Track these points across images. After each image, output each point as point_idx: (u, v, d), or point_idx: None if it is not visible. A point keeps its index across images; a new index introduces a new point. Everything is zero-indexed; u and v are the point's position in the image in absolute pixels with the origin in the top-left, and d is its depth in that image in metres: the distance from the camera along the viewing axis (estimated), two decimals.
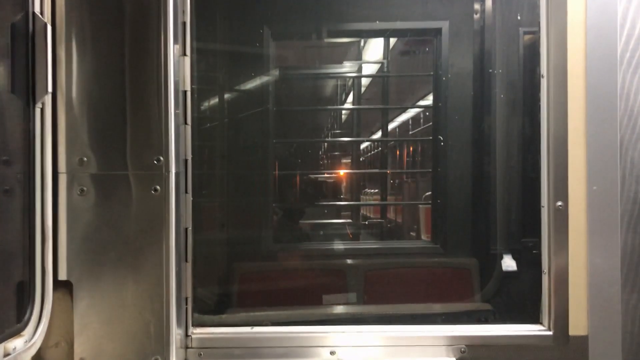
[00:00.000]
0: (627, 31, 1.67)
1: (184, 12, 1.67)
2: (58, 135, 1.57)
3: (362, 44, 3.93)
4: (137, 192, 1.58)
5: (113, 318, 1.58)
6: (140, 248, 1.58)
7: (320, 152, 4.35)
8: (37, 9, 1.47)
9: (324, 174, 3.98)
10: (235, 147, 3.10)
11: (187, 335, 1.71)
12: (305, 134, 3.72)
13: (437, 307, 2.67)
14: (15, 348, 1.37)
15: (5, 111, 1.45)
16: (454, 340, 1.70)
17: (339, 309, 2.77)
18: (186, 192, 1.71)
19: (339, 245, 3.48)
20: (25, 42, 1.44)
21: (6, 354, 1.33)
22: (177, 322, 1.61)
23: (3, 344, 1.34)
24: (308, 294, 2.92)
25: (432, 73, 3.30)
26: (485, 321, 2.35)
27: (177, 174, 1.63)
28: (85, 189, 1.58)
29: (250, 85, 3.19)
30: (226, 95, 3.11)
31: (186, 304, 1.70)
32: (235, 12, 3.06)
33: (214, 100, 3.01)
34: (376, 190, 4.60)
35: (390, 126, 5.21)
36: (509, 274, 2.63)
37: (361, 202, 4.41)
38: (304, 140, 3.68)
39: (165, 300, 1.58)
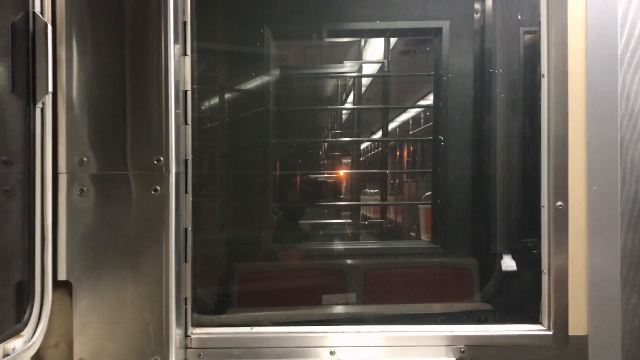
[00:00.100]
0: (628, 31, 1.67)
1: (184, 12, 1.67)
2: (58, 135, 1.57)
3: (362, 43, 3.93)
4: (137, 192, 1.58)
5: (113, 318, 1.58)
6: (140, 248, 1.58)
7: (320, 152, 4.35)
8: (37, 9, 1.47)
9: (324, 174, 3.98)
10: (236, 147, 3.10)
11: (186, 336, 1.71)
12: (306, 134, 3.72)
13: (437, 307, 2.67)
14: (14, 348, 1.37)
15: (5, 111, 1.45)
16: (454, 340, 1.70)
17: (339, 309, 2.77)
18: (186, 192, 1.71)
19: (339, 246, 3.48)
20: (25, 42, 1.44)
21: (5, 354, 1.33)
22: (176, 322, 1.61)
23: (2, 344, 1.34)
24: (308, 294, 2.92)
25: (432, 73, 3.30)
26: (485, 321, 2.35)
27: (177, 174, 1.62)
28: (85, 189, 1.58)
29: (251, 85, 3.19)
30: (226, 95, 3.11)
31: (186, 304, 1.70)
32: (236, 11, 3.06)
33: (215, 100, 3.01)
34: (376, 191, 4.60)
35: (391, 126, 5.21)
36: (509, 274, 2.63)
37: (361, 202, 4.41)
38: (304, 140, 3.67)
39: (165, 300, 1.58)
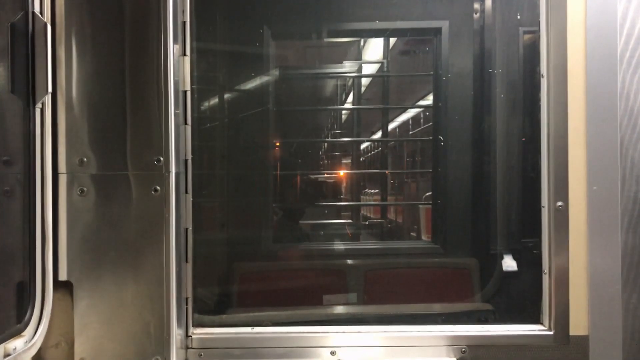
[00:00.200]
0: (627, 31, 1.67)
1: (183, 12, 1.67)
2: (58, 135, 1.57)
3: (362, 43, 3.93)
4: (137, 193, 1.58)
5: (113, 318, 1.58)
6: (140, 248, 1.58)
7: (320, 152, 4.35)
8: (37, 9, 1.47)
9: (324, 174, 3.98)
10: (235, 147, 3.10)
11: (187, 336, 1.71)
12: (305, 134, 3.72)
13: (437, 308, 2.67)
14: (15, 348, 1.37)
15: (5, 111, 1.45)
16: (454, 340, 1.70)
17: (340, 309, 2.77)
18: (186, 192, 1.71)
19: (339, 246, 3.48)
20: (25, 42, 1.44)
21: (6, 354, 1.33)
22: (177, 322, 1.61)
23: (3, 344, 1.34)
24: (308, 294, 2.92)
25: (432, 73, 3.30)
26: (486, 321, 2.35)
27: (177, 174, 1.62)
28: (85, 189, 1.58)
29: (250, 85, 3.19)
30: (226, 95, 3.11)
31: (186, 304, 1.70)
32: (235, 11, 3.06)
33: (214, 100, 3.01)
34: (376, 191, 4.60)
35: (391, 126, 5.21)
36: (510, 274, 2.63)
37: (361, 203, 4.41)
38: (304, 140, 3.67)
39: (166, 300, 1.58)
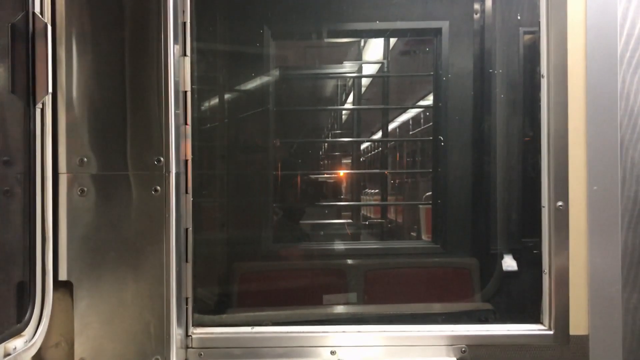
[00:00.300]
0: (627, 31, 1.67)
1: (184, 12, 1.68)
2: (58, 135, 1.58)
3: (362, 44, 3.92)
4: (137, 193, 1.58)
5: (113, 318, 1.58)
6: (140, 248, 1.58)
7: (320, 153, 4.35)
8: (37, 9, 1.47)
9: (324, 174, 3.98)
10: (236, 147, 3.10)
11: (187, 335, 1.71)
12: (306, 134, 3.72)
13: (437, 307, 2.67)
14: (15, 348, 1.37)
15: (5, 111, 1.45)
16: (454, 340, 1.70)
17: (340, 309, 2.77)
18: (186, 192, 1.71)
19: (339, 246, 3.48)
20: (25, 42, 1.44)
21: (6, 354, 1.33)
22: (177, 322, 1.61)
23: (3, 344, 1.34)
24: (308, 294, 2.92)
25: (432, 73, 3.30)
26: (486, 321, 2.35)
27: (177, 174, 1.63)
28: (85, 189, 1.58)
29: (251, 85, 3.19)
30: (226, 96, 3.11)
31: (186, 304, 1.70)
32: (236, 12, 3.06)
33: (214, 101, 3.01)
34: (376, 191, 4.60)
35: (391, 126, 5.20)
36: (510, 273, 2.63)
37: (361, 203, 4.41)
38: (304, 140, 3.67)
39: (166, 300, 1.58)
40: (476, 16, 2.97)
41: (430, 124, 3.53)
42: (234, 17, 3.05)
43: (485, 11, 2.91)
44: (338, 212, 4.22)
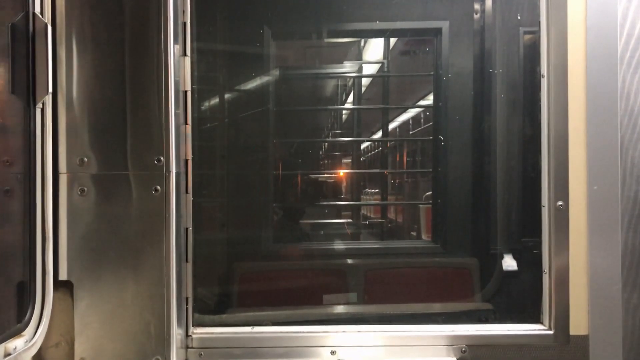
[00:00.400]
0: (627, 31, 1.67)
1: (184, 12, 1.68)
2: (58, 135, 1.58)
3: (362, 44, 3.92)
4: (137, 192, 1.58)
5: (113, 318, 1.58)
6: (140, 248, 1.58)
7: (320, 152, 4.35)
8: (37, 9, 1.47)
9: (324, 174, 3.98)
10: (236, 147, 3.10)
11: (187, 335, 1.71)
12: (306, 134, 3.72)
13: (437, 307, 2.67)
14: (15, 348, 1.37)
15: (5, 111, 1.45)
16: (454, 340, 1.70)
17: (340, 309, 2.77)
18: (186, 192, 1.71)
19: (339, 245, 3.48)
20: (25, 42, 1.44)
21: (7, 354, 1.33)
22: (177, 322, 1.61)
23: (4, 344, 1.34)
24: (308, 293, 2.92)
25: (432, 73, 3.30)
26: (486, 321, 2.35)
27: (177, 174, 1.63)
28: (85, 189, 1.58)
29: (251, 85, 3.19)
30: (226, 95, 3.11)
31: (187, 304, 1.70)
32: (236, 12, 3.06)
33: (215, 101, 3.01)
34: (376, 190, 4.60)
35: (391, 126, 5.20)
36: (510, 273, 2.63)
37: (361, 202, 4.41)
38: (304, 140, 3.67)
39: (166, 300, 1.58)
40: (476, 16, 2.97)
41: (431, 123, 3.53)
42: (234, 17, 3.05)
43: (485, 11, 2.91)
44: (338, 212, 4.22)
